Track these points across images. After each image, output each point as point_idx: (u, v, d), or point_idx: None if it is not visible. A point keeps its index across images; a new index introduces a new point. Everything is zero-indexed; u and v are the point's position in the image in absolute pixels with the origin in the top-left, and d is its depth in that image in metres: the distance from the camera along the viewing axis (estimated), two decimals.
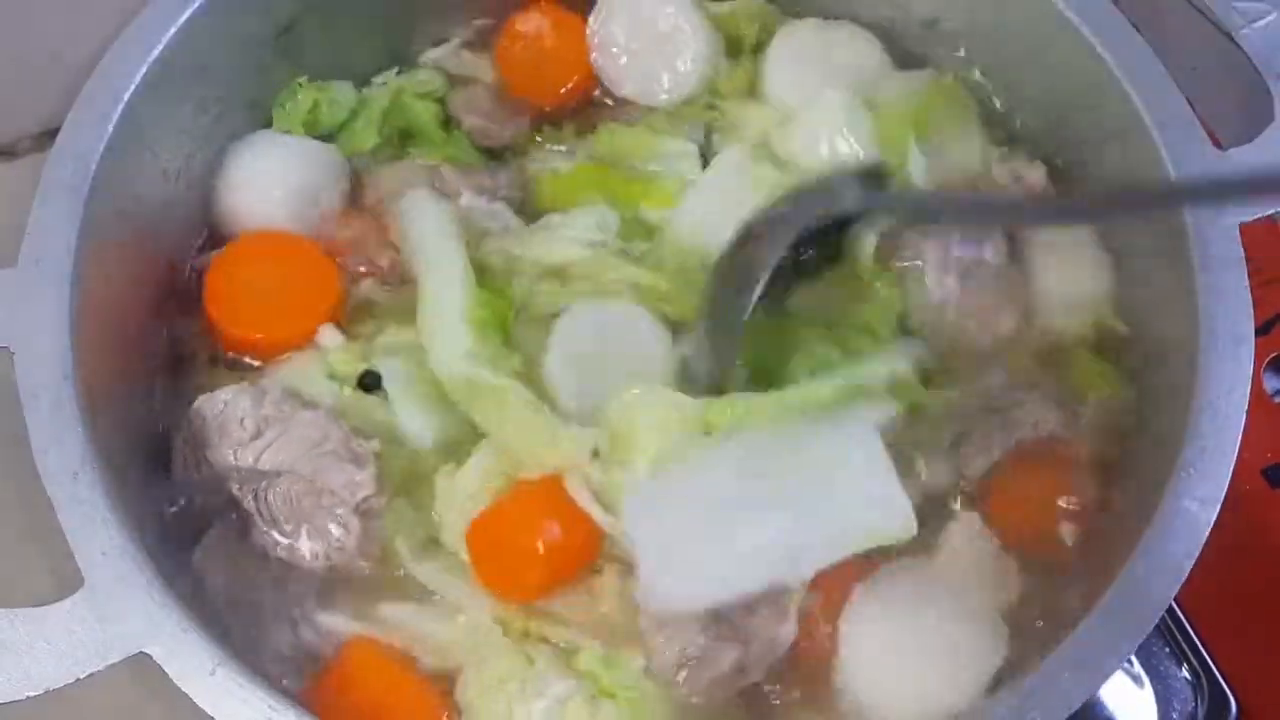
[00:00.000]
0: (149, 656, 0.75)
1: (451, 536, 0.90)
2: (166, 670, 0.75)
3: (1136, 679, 1.02)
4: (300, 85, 1.07)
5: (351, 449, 0.90)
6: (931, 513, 0.91)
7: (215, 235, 1.03)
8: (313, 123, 1.07)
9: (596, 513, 0.87)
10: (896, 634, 0.86)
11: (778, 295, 0.95)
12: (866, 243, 0.98)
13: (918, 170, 1.02)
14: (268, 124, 1.07)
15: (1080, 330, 0.99)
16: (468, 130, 1.10)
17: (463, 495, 0.90)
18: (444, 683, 0.87)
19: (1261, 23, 0.96)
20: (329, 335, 0.97)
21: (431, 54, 1.14)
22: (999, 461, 0.93)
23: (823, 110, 1.03)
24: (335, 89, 1.08)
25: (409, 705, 0.87)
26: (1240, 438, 0.83)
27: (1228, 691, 1.02)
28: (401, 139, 1.10)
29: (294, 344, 0.98)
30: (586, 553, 0.89)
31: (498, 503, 0.89)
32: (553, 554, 0.87)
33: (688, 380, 0.94)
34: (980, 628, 0.86)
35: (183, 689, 0.75)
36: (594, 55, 1.11)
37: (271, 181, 1.02)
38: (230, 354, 0.99)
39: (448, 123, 1.11)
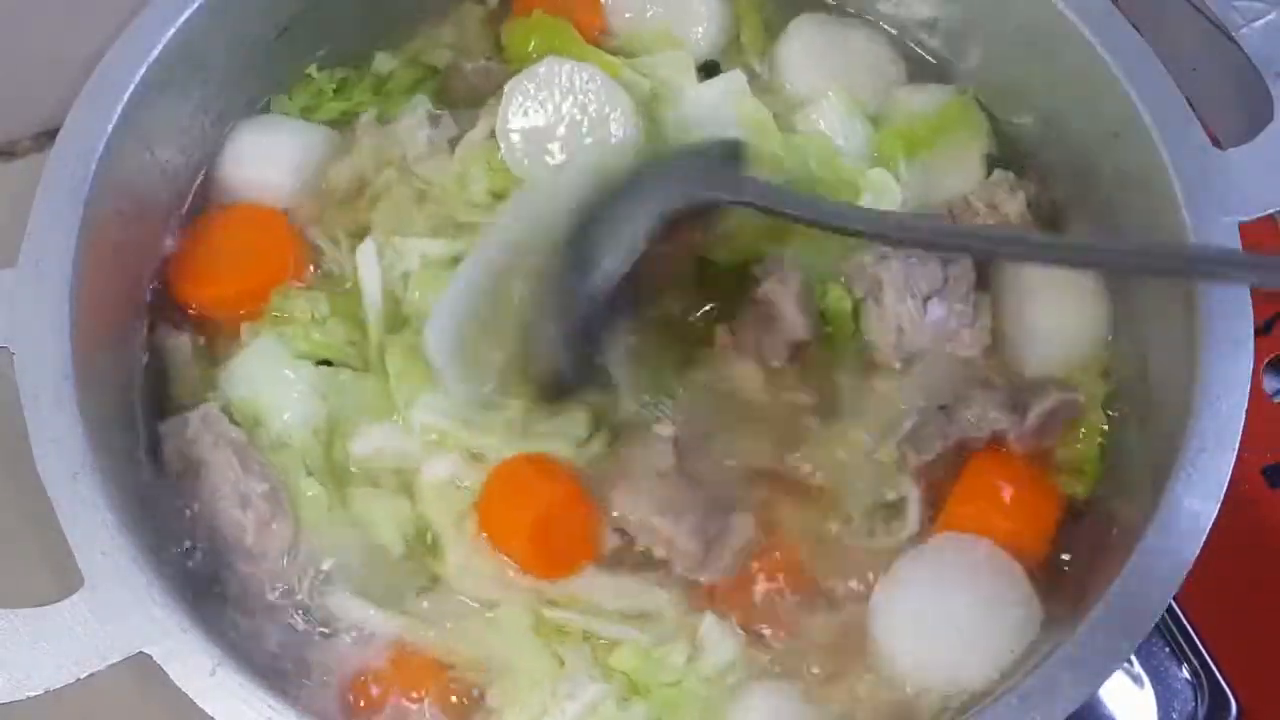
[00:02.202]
0: (149, 657, 0.75)
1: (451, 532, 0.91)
2: (166, 670, 0.75)
3: (1136, 679, 1.02)
4: (312, 76, 1.08)
5: (240, 492, 0.89)
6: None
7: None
8: (311, 109, 1.07)
9: None
10: (928, 605, 0.88)
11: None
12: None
13: (902, 188, 1.02)
14: None
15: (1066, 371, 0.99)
16: (466, 71, 1.10)
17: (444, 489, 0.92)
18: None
19: (1260, 22, 0.95)
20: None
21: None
22: (947, 459, 0.94)
23: (822, 110, 1.04)
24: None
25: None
26: (1240, 438, 0.83)
27: (1228, 692, 1.02)
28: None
29: (253, 293, 0.99)
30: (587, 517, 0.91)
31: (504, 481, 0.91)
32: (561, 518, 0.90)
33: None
34: (1013, 600, 0.88)
35: (183, 689, 0.75)
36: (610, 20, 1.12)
37: (269, 160, 1.03)
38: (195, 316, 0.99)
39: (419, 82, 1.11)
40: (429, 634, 0.88)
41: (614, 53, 1.08)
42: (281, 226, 1.02)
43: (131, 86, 0.92)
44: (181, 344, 0.98)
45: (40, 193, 0.88)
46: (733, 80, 1.05)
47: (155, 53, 0.93)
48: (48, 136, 0.92)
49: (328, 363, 0.96)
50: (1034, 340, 0.99)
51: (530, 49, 1.07)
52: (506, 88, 1.02)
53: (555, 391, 0.93)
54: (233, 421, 0.92)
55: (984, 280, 0.99)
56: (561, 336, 0.89)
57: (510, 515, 0.91)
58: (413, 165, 1.03)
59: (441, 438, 0.93)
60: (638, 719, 0.86)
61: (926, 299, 0.97)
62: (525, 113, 1.01)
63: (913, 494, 0.93)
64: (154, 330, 0.99)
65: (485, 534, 0.91)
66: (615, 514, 0.90)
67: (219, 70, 1.00)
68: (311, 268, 1.01)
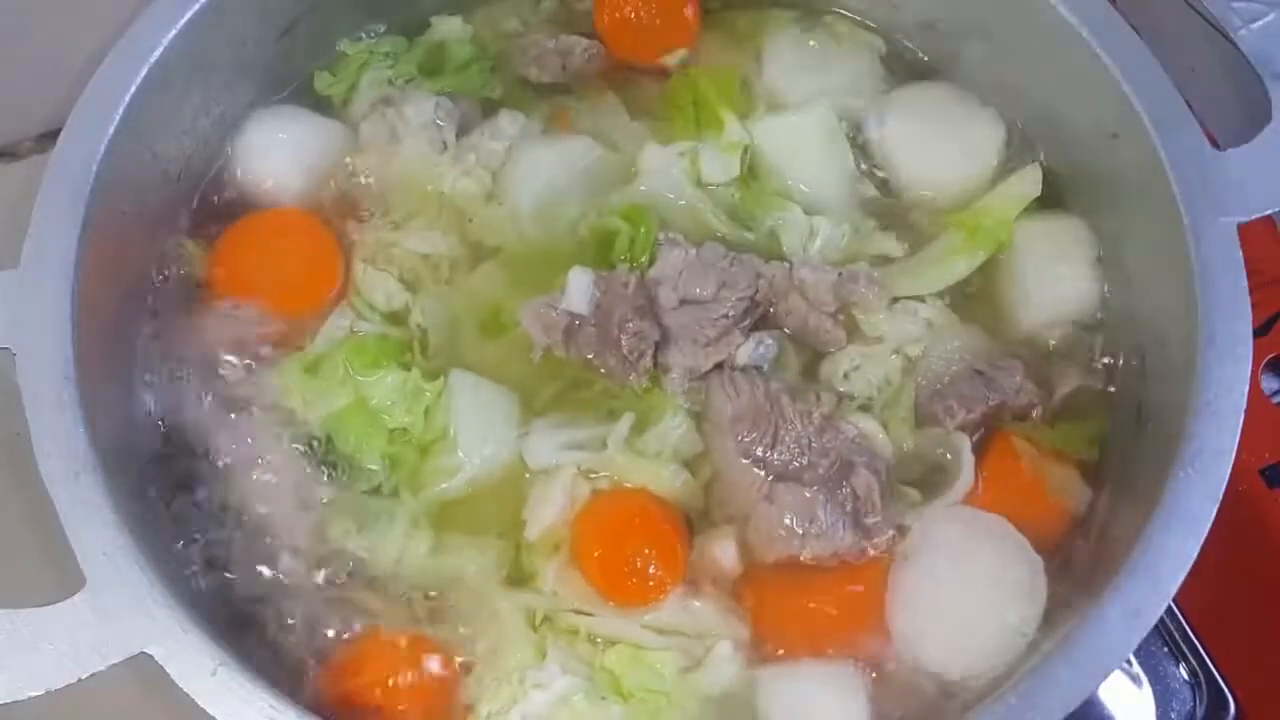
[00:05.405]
0: (150, 657, 0.76)
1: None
2: (168, 670, 0.75)
3: (1135, 679, 1.03)
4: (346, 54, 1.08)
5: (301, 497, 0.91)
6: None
7: (222, 206, 1.04)
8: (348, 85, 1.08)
9: None
10: (941, 582, 0.88)
11: None
12: None
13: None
14: None
15: (1061, 337, 1.01)
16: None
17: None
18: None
19: (1259, 23, 0.96)
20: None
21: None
22: (980, 424, 0.95)
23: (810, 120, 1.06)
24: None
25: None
26: (1239, 438, 0.83)
27: (1226, 692, 1.02)
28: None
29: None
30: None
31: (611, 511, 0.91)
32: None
33: None
34: (1020, 571, 0.88)
35: (184, 689, 0.75)
36: None
37: (283, 153, 1.03)
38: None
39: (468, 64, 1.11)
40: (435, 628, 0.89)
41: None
42: (326, 238, 1.01)
43: (133, 88, 0.92)
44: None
45: (42, 194, 0.88)
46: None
47: (156, 54, 0.94)
48: (49, 138, 0.93)
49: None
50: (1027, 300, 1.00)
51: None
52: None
53: None
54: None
55: None
56: None
57: (588, 554, 0.90)
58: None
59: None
60: (612, 718, 0.85)
61: None
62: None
63: (965, 445, 0.94)
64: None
65: (576, 566, 0.90)
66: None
67: (220, 71, 1.01)
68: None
